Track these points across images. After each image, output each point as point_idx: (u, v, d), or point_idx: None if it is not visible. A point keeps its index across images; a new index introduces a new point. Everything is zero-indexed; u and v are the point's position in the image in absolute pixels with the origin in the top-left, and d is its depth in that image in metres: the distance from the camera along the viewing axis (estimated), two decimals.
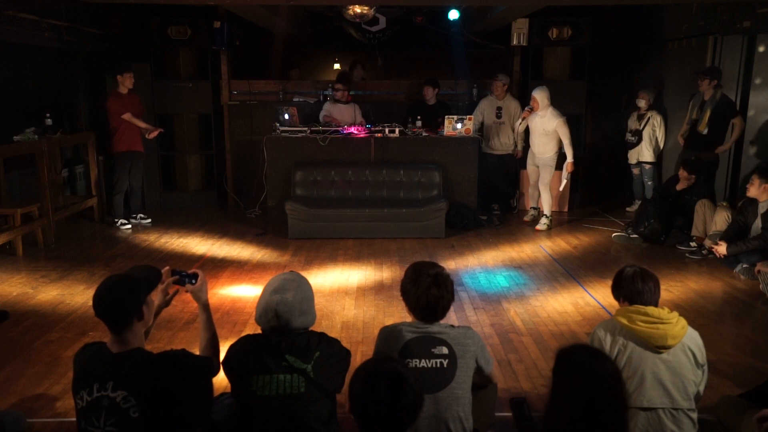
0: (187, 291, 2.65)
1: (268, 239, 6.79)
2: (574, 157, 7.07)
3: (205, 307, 2.65)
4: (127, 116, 7.06)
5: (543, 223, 7.23)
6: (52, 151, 6.64)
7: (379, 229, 6.78)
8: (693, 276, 5.56)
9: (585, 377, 1.93)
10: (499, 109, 7.77)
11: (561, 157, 7.20)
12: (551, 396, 2.01)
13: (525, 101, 7.89)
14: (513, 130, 7.80)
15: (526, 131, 7.55)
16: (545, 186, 7.23)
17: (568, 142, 6.95)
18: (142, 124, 7.24)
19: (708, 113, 6.66)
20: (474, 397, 2.56)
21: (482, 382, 2.70)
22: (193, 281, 2.63)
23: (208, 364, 2.44)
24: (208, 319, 2.66)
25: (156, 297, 2.53)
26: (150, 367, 2.17)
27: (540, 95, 6.96)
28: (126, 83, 7.10)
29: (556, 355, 2.03)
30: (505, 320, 4.55)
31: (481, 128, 7.84)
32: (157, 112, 8.24)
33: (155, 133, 7.43)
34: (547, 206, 7.27)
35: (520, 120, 7.29)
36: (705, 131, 6.73)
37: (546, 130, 7.02)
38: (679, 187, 6.58)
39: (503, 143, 7.87)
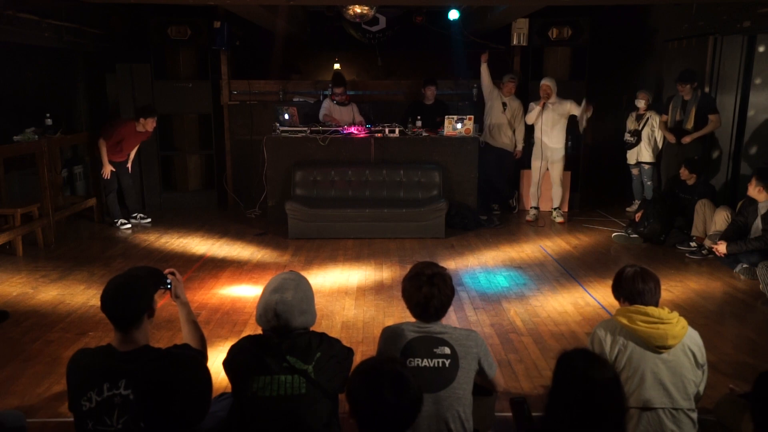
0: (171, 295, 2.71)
1: (268, 239, 6.79)
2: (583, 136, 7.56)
3: (185, 304, 2.73)
4: (101, 143, 7.02)
5: (560, 215, 7.57)
6: (52, 151, 6.63)
7: (379, 229, 6.78)
8: (693, 276, 5.56)
9: (584, 383, 1.93)
10: (504, 104, 7.77)
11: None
12: (550, 399, 2.02)
13: (525, 101, 7.90)
14: (513, 131, 7.83)
15: (530, 129, 7.56)
16: (557, 181, 7.55)
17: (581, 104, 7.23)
18: (104, 158, 7.04)
19: (693, 110, 6.89)
20: (474, 402, 2.56)
21: (487, 386, 2.70)
22: (169, 285, 2.65)
23: (205, 360, 2.48)
24: (189, 312, 2.74)
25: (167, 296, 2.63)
26: (159, 365, 2.19)
27: (552, 82, 7.28)
28: (147, 126, 7.11)
29: (557, 360, 2.05)
30: (505, 320, 4.55)
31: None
32: (158, 112, 8.23)
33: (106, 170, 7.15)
34: (558, 200, 7.63)
35: (538, 107, 7.26)
36: (692, 128, 6.90)
37: (561, 114, 7.28)
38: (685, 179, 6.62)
39: (503, 141, 7.87)
